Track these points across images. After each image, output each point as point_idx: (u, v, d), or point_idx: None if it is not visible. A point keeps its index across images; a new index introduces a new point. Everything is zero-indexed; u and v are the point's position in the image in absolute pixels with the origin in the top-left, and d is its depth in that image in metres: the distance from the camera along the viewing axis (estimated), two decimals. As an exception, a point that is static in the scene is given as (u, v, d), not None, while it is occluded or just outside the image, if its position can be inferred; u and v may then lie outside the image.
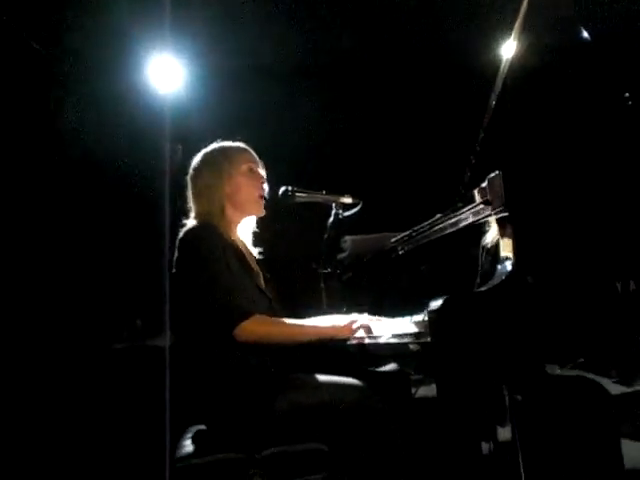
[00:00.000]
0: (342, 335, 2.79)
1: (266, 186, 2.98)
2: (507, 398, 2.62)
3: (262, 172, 2.99)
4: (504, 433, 2.70)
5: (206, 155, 2.97)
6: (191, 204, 2.93)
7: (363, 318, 2.84)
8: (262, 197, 2.95)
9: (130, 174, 4.66)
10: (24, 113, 4.56)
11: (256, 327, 2.66)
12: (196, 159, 2.98)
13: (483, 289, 2.22)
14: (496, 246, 2.43)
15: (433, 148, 4.55)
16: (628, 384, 2.45)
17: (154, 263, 2.99)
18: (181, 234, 2.80)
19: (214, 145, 3.00)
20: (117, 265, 4.67)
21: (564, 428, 2.65)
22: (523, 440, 2.60)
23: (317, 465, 2.58)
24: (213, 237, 2.76)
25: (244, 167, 2.93)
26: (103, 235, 4.69)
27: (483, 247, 2.58)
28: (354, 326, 2.78)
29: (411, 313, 2.70)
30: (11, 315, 4.35)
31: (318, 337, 2.83)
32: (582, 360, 2.33)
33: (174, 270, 2.78)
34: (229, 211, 2.90)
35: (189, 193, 2.94)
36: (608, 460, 2.46)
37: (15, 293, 4.40)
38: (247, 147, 3.01)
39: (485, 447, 2.83)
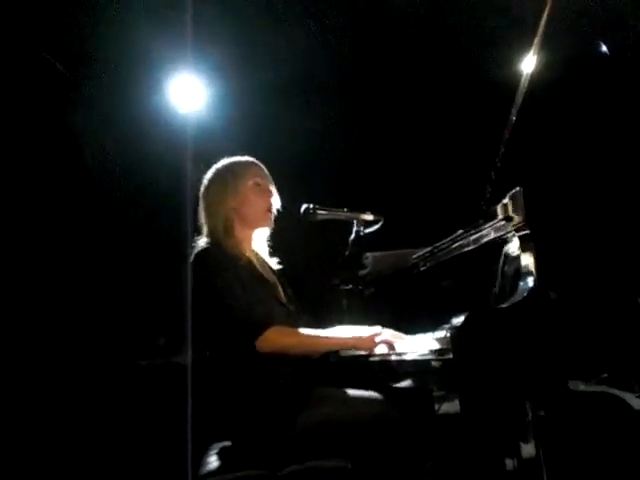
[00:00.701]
0: (364, 347, 2.80)
1: (275, 200, 2.99)
2: (530, 414, 2.60)
3: (271, 187, 3.00)
4: (528, 449, 2.67)
5: (215, 171, 3.00)
6: (202, 221, 2.96)
7: (386, 332, 2.84)
8: (269, 210, 2.97)
9: (153, 193, 4.69)
10: (47, 134, 4.60)
11: (277, 337, 2.68)
12: (207, 176, 3.01)
13: (505, 305, 2.22)
14: (518, 258, 2.43)
15: (454, 163, 4.54)
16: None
17: (177, 281, 3.00)
18: (192, 257, 2.82)
19: (223, 161, 3.02)
20: (141, 283, 4.69)
21: (588, 444, 2.64)
22: (547, 456, 2.58)
23: (341, 482, 2.57)
24: (221, 258, 2.78)
25: (250, 182, 2.94)
26: (128, 254, 4.71)
27: (506, 255, 2.56)
28: (377, 339, 2.78)
29: (433, 329, 2.70)
30: (37, 332, 4.38)
31: (339, 347, 2.84)
32: (605, 375, 2.31)
33: (190, 290, 2.80)
34: (237, 226, 2.91)
35: (200, 210, 2.97)
36: (633, 476, 2.44)
37: (41, 310, 4.43)
38: (255, 161, 3.02)
39: (509, 463, 2.80)
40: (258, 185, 2.95)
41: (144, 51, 4.45)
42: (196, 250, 2.83)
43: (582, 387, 2.32)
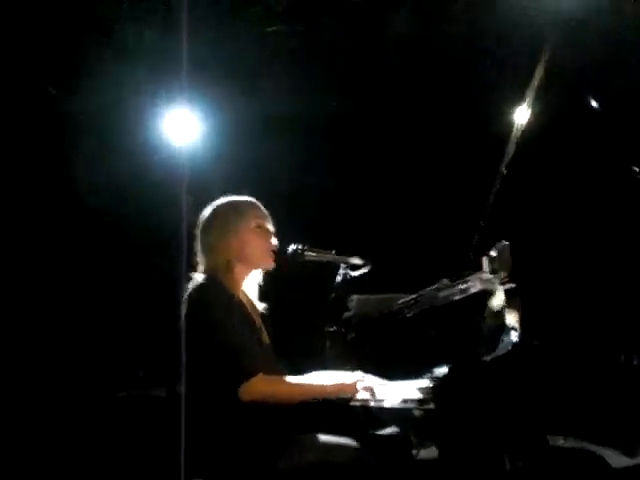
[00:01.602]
0: (346, 394, 2.79)
1: (275, 240, 2.99)
2: (508, 465, 2.60)
3: (270, 227, 2.99)
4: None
5: (215, 210, 2.97)
6: (199, 258, 2.94)
7: (369, 379, 2.83)
8: (271, 250, 2.97)
9: (145, 225, 4.69)
10: (39, 162, 4.61)
11: (260, 387, 2.65)
12: (205, 213, 2.97)
13: (488, 359, 2.22)
14: (501, 312, 2.43)
15: (443, 211, 4.57)
16: (631, 456, 2.42)
17: (162, 315, 2.99)
18: (188, 290, 2.80)
19: (223, 200, 3.00)
20: (124, 315, 4.68)
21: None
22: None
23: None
24: (220, 295, 2.76)
25: (253, 223, 2.93)
26: (113, 286, 4.70)
27: (489, 309, 2.57)
28: (359, 386, 2.77)
29: (415, 377, 2.69)
30: (17, 361, 4.35)
31: (322, 396, 2.82)
32: (584, 431, 2.32)
33: (180, 324, 2.78)
34: (237, 266, 2.89)
35: (198, 247, 2.95)
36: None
37: (23, 338, 4.41)
38: (256, 202, 3.01)
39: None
40: (259, 227, 2.95)
41: (140, 83, 4.47)
42: (194, 283, 2.82)
43: (561, 442, 2.32)
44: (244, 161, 4.61)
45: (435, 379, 2.20)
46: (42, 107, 4.56)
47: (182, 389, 2.69)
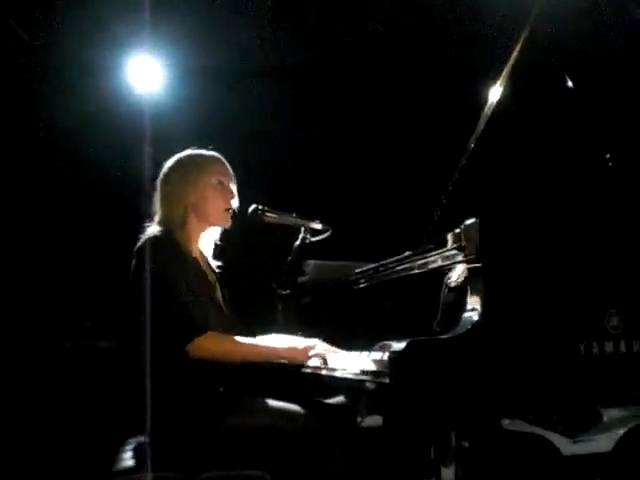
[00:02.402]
0: (297, 359, 2.77)
1: (235, 201, 2.93)
2: (454, 443, 2.60)
3: (233, 187, 2.93)
4: (447, 473, 2.67)
5: (178, 161, 2.91)
6: (156, 208, 2.87)
7: (321, 346, 2.81)
8: (229, 210, 2.91)
9: (104, 173, 4.59)
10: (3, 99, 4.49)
11: (209, 344, 2.63)
12: (168, 163, 2.92)
13: (447, 336, 2.20)
14: (461, 289, 2.41)
15: (408, 183, 4.54)
16: (575, 442, 2.43)
17: (114, 267, 2.92)
18: (140, 242, 2.73)
19: (188, 151, 2.94)
20: (76, 264, 4.59)
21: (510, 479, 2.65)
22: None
23: (258, 493, 2.53)
24: (173, 248, 2.72)
25: (214, 179, 2.87)
26: (66, 233, 4.61)
27: (446, 284, 2.55)
28: (311, 352, 2.75)
29: (367, 347, 2.66)
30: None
31: (272, 358, 2.80)
32: (532, 416, 2.32)
33: (130, 276, 2.72)
34: (192, 220, 2.84)
35: (156, 196, 2.89)
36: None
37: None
38: (221, 158, 2.95)
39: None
40: (221, 183, 2.89)
41: (105, 27, 4.35)
42: (146, 236, 2.74)
43: (510, 425, 2.32)
44: (209, 113, 4.51)
45: (393, 353, 2.16)
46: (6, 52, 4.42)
47: (136, 345, 2.64)
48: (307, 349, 2.76)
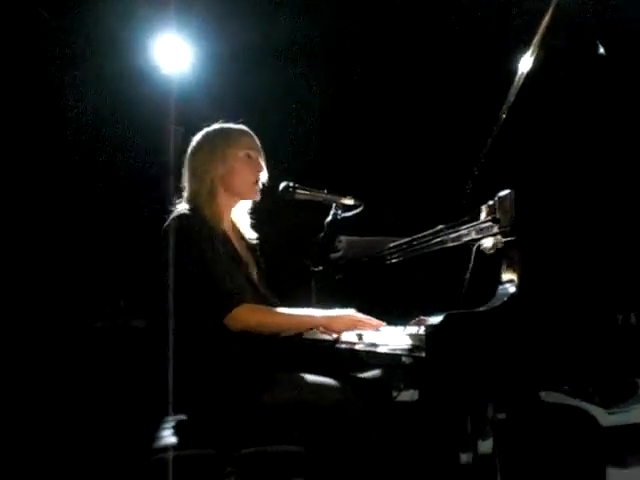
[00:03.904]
0: (335, 327, 2.76)
1: (263, 174, 2.92)
2: (491, 415, 2.60)
3: (261, 161, 2.93)
4: (485, 446, 2.68)
5: (205, 135, 2.92)
6: (185, 183, 2.88)
7: (363, 317, 2.80)
8: (256, 183, 2.90)
9: (131, 153, 4.60)
10: (26, 81, 4.50)
11: (248, 315, 2.64)
12: (196, 137, 2.93)
13: (484, 309, 2.18)
14: (493, 260, 2.39)
15: (440, 157, 4.50)
16: (611, 413, 2.41)
17: (146, 245, 2.93)
18: (169, 220, 2.74)
19: (216, 125, 2.94)
20: (109, 246, 4.62)
21: (547, 451, 2.64)
22: (503, 457, 2.59)
23: (295, 468, 2.56)
24: (202, 225, 2.72)
25: (241, 153, 2.87)
26: (96, 215, 4.63)
27: (477, 253, 2.52)
28: (350, 320, 2.74)
29: (401, 322, 2.66)
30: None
31: (310, 326, 2.80)
32: (569, 387, 2.30)
33: (162, 255, 2.73)
34: (221, 194, 2.85)
35: (184, 171, 2.90)
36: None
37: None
38: (250, 132, 2.95)
39: (464, 458, 2.80)
40: (249, 157, 2.89)
41: (130, 8, 4.34)
42: (175, 214, 2.75)
43: (550, 398, 2.31)
44: (237, 92, 4.49)
45: (429, 327, 2.16)
46: (32, 31, 4.42)
47: (170, 323, 2.66)
48: (346, 318, 2.76)
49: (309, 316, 2.80)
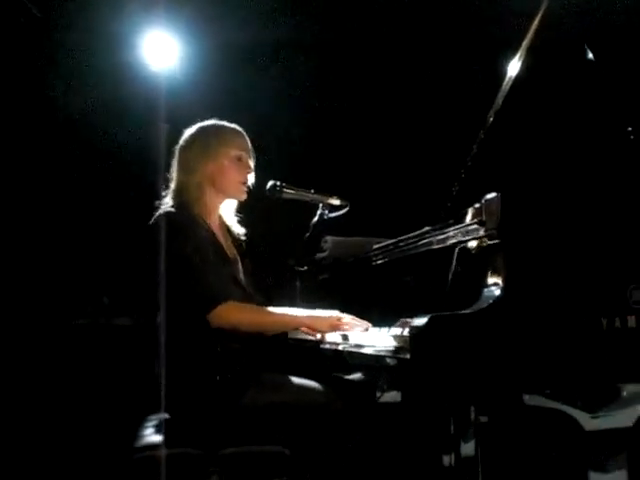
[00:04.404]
0: (319, 328, 2.75)
1: (252, 177, 2.92)
2: (473, 417, 2.59)
3: (251, 163, 2.92)
4: (467, 448, 2.67)
5: (200, 130, 2.91)
6: (172, 174, 2.87)
7: (347, 316, 2.79)
8: (244, 184, 2.90)
9: (115, 150, 4.59)
10: (14, 76, 4.48)
11: (231, 313, 2.62)
12: (189, 131, 2.92)
13: (469, 311, 2.18)
14: (478, 262, 2.39)
15: (426, 159, 4.50)
16: (593, 417, 2.41)
17: (131, 243, 2.92)
18: (155, 216, 2.73)
19: (211, 121, 2.94)
20: (92, 241, 4.60)
21: (530, 454, 2.65)
22: (485, 460, 2.58)
23: (278, 469, 2.55)
24: (186, 223, 2.71)
25: (233, 152, 2.87)
26: (79, 211, 4.61)
27: (460, 255, 2.51)
28: (339, 324, 2.73)
29: (385, 324, 2.66)
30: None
31: (294, 326, 2.79)
32: (552, 391, 2.30)
33: (147, 253, 2.72)
34: (208, 191, 2.84)
35: (173, 162, 2.89)
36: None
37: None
38: (243, 132, 2.94)
39: (446, 460, 2.80)
40: (239, 158, 2.88)
41: (118, 3, 4.33)
42: (162, 210, 2.74)
43: (532, 401, 2.31)
44: (224, 89, 4.49)
45: (413, 328, 2.15)
46: (21, 26, 4.41)
47: (154, 321, 2.64)
48: (332, 321, 2.75)
49: (292, 316, 2.79)
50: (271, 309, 2.80)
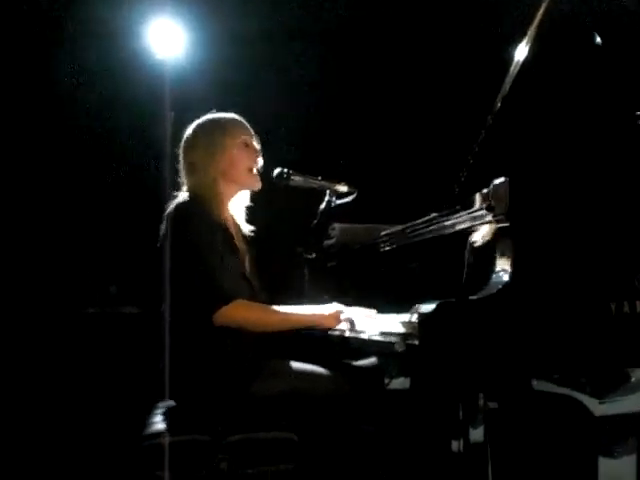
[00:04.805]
0: (326, 324, 2.75)
1: (261, 160, 2.91)
2: (482, 404, 2.59)
3: (257, 145, 2.91)
4: (476, 434, 2.67)
5: (200, 127, 2.88)
6: (183, 178, 2.85)
7: (355, 310, 2.79)
8: (255, 170, 2.88)
9: (125, 138, 4.59)
10: (20, 65, 4.47)
11: (236, 312, 2.61)
12: (189, 131, 2.88)
13: (477, 297, 2.17)
14: (487, 249, 2.38)
15: (434, 145, 4.49)
16: (602, 402, 2.41)
17: (143, 233, 2.92)
18: (170, 208, 2.72)
19: (208, 116, 2.90)
20: (104, 233, 4.61)
21: (539, 440, 2.64)
22: (494, 446, 2.59)
23: (286, 455, 2.55)
24: (202, 215, 2.69)
25: (239, 141, 2.85)
26: (87, 200, 4.62)
27: (471, 245, 2.52)
28: (342, 317, 2.73)
29: (395, 310, 2.66)
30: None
31: (301, 324, 2.79)
32: (561, 376, 2.29)
33: (159, 242, 2.72)
34: (223, 185, 2.81)
35: (180, 166, 2.86)
36: (582, 475, 2.44)
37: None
38: (241, 119, 2.92)
39: (455, 445, 2.81)
40: (247, 144, 2.86)
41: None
42: (177, 202, 2.73)
43: (540, 387, 2.30)
44: (231, 77, 4.48)
45: (422, 315, 2.15)
46: (26, 15, 4.40)
47: (166, 311, 2.64)
48: (336, 314, 2.75)
49: (299, 315, 2.78)
50: (277, 308, 2.79)
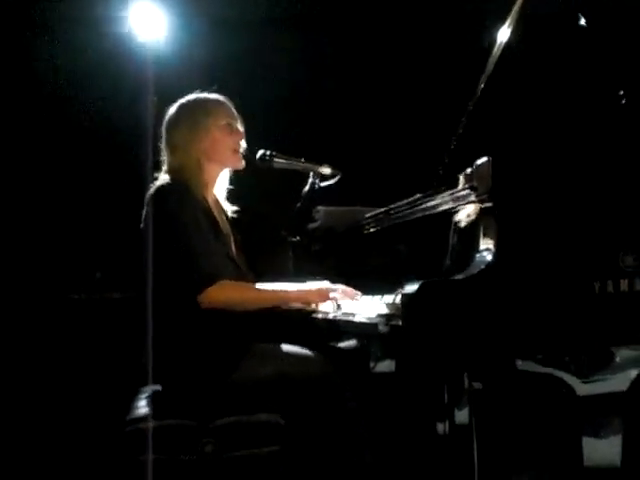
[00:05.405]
0: (310, 300, 2.75)
1: (244, 142, 2.90)
2: (467, 384, 2.60)
3: (240, 128, 2.90)
4: (461, 416, 2.69)
5: (183, 107, 2.86)
6: (164, 157, 2.83)
7: (338, 288, 2.79)
8: (238, 151, 2.87)
9: (106, 123, 4.56)
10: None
11: (221, 292, 2.60)
12: (172, 110, 2.87)
13: (460, 277, 2.17)
14: (471, 229, 2.38)
15: (418, 126, 4.48)
16: (585, 382, 2.41)
17: (123, 218, 2.90)
18: (152, 190, 2.71)
19: (192, 96, 2.89)
20: (84, 216, 4.59)
21: (524, 421, 2.65)
22: (479, 427, 2.59)
23: (272, 437, 2.55)
24: (184, 195, 2.67)
25: (223, 122, 2.83)
26: (71, 185, 4.59)
27: (455, 224, 2.52)
28: (331, 294, 2.73)
29: (380, 292, 2.65)
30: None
31: (285, 302, 2.79)
32: (545, 356, 2.29)
33: (142, 225, 2.70)
34: (205, 165, 2.80)
35: (163, 145, 2.85)
36: (566, 454, 2.45)
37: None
38: (225, 100, 2.91)
39: (441, 427, 2.82)
40: (230, 125, 2.85)
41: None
42: (158, 183, 2.71)
43: (525, 367, 2.30)
44: (212, 60, 4.45)
45: (405, 295, 2.14)
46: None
47: (149, 294, 2.63)
48: (319, 291, 2.74)
49: (284, 291, 2.78)
50: (261, 285, 2.78)
